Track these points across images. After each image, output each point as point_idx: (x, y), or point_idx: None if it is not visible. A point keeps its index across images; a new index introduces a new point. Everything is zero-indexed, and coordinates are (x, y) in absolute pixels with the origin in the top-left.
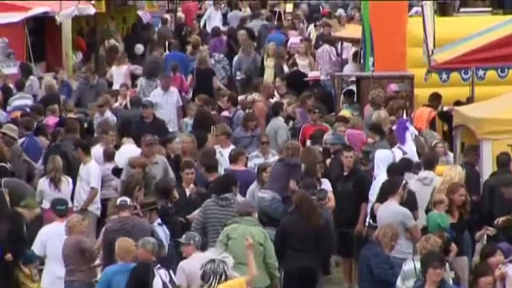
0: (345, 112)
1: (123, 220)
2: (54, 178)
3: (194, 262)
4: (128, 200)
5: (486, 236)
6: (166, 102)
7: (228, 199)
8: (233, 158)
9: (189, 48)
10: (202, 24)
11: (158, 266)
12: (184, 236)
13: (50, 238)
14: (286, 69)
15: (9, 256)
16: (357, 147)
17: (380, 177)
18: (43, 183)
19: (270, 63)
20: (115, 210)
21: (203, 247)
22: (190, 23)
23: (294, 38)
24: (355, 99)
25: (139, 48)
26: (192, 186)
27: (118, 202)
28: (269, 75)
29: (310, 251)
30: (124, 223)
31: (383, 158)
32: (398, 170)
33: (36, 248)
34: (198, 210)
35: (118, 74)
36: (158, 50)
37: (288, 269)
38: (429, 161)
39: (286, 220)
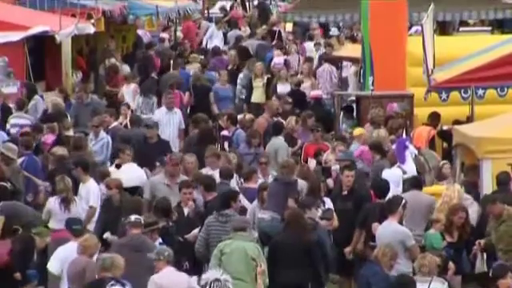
0: (359, 130)
1: (132, 236)
2: (66, 198)
3: (165, 276)
4: (142, 219)
5: (485, 255)
6: (168, 121)
7: (228, 215)
8: (246, 176)
9: (196, 66)
10: (204, 43)
11: (112, 282)
12: (155, 251)
13: (68, 259)
14: (285, 88)
15: (17, 275)
16: (370, 164)
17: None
18: (53, 203)
19: (258, 83)
20: (128, 226)
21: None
22: (191, 41)
23: (278, 58)
24: (354, 115)
25: (125, 69)
26: (191, 203)
27: (133, 219)
28: (258, 95)
29: (300, 268)
30: (132, 239)
31: (389, 176)
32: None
33: (53, 267)
34: (197, 229)
35: (128, 92)
36: (178, 67)
37: (278, 285)
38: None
39: (277, 237)
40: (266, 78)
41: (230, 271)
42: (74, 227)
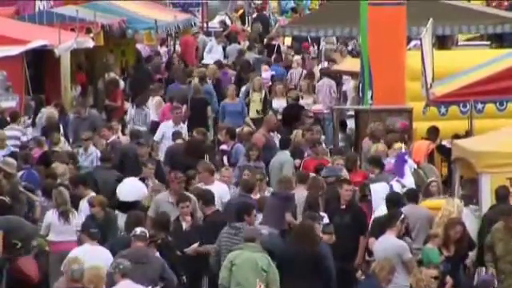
0: (398, 145)
1: (136, 249)
2: (65, 211)
3: None
4: (147, 233)
5: (484, 269)
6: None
7: (237, 228)
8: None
9: (196, 80)
10: (205, 57)
11: None
12: (111, 264)
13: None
14: (280, 103)
15: None
16: None
17: (379, 210)
18: (51, 216)
19: (256, 97)
20: (132, 238)
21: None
22: (189, 56)
23: (265, 73)
24: (347, 130)
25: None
26: (188, 217)
27: (138, 232)
28: (255, 109)
29: (308, 280)
30: (136, 251)
31: (379, 191)
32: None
33: None
34: (196, 243)
35: (151, 105)
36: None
37: None
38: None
39: (285, 248)
40: (263, 92)
41: (240, 282)
42: (92, 230)
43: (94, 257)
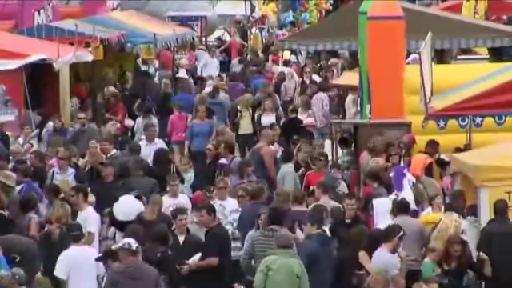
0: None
1: (129, 263)
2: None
3: None
4: (133, 245)
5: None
6: (149, 153)
7: (274, 230)
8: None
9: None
10: (198, 71)
11: None
12: (10, 274)
13: (72, 262)
14: (269, 119)
15: None
16: None
17: (383, 224)
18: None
19: (246, 114)
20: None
21: None
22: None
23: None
24: (348, 145)
25: None
26: (184, 231)
27: (124, 245)
28: (245, 125)
29: None
30: (128, 266)
31: (380, 206)
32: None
33: (60, 271)
34: (197, 256)
35: None
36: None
37: None
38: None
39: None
40: (250, 108)
41: (277, 287)
42: (73, 233)
43: (83, 259)
